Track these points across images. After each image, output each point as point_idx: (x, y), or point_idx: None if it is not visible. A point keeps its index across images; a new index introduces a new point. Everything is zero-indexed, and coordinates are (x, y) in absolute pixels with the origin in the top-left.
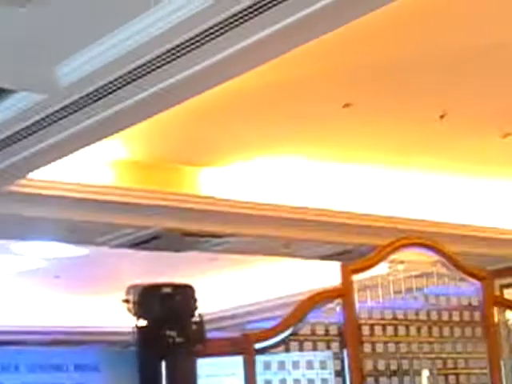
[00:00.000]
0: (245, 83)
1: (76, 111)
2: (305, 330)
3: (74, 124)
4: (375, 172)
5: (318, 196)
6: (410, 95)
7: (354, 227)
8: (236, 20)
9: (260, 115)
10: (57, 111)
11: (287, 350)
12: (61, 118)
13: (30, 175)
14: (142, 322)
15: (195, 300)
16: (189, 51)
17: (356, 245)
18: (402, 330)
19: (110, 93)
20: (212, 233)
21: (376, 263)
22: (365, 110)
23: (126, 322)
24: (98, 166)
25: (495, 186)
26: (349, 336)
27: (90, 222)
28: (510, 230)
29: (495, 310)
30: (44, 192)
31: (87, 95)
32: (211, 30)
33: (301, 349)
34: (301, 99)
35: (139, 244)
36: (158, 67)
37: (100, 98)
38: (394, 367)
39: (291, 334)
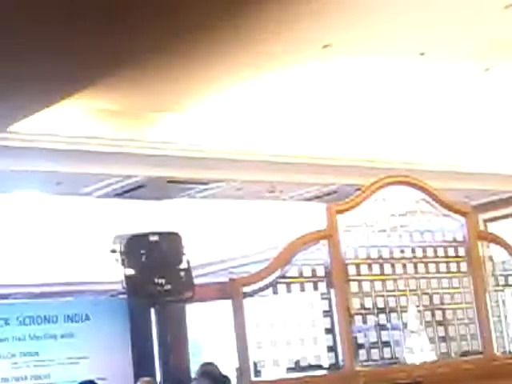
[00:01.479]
0: (220, 23)
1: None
2: (292, 271)
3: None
4: (357, 112)
5: (301, 139)
6: (390, 34)
7: (337, 168)
8: None
9: (237, 58)
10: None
11: (275, 293)
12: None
13: (14, 128)
14: (130, 271)
15: (182, 247)
16: None
17: (340, 186)
18: (387, 268)
19: None
20: (197, 180)
21: (360, 203)
22: (344, 50)
23: (114, 271)
24: (81, 117)
25: (476, 122)
26: (335, 276)
27: (74, 173)
28: (490, 164)
29: (479, 244)
30: (28, 145)
31: None
32: None
33: (289, 291)
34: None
35: (124, 193)
36: None
37: None
38: (381, 305)
39: (279, 277)
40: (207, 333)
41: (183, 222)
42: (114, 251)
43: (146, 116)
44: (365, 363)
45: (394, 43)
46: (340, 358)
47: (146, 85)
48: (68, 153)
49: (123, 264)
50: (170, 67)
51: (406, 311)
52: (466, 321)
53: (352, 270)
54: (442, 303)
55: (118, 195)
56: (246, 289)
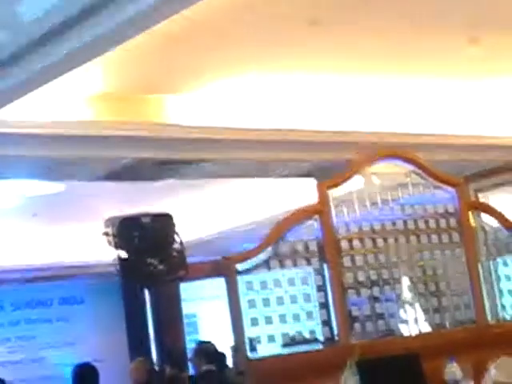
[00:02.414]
0: (205, 7)
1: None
2: (285, 248)
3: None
4: (345, 86)
5: (289, 116)
6: (376, 6)
7: (327, 144)
8: None
9: (224, 39)
10: (22, 47)
11: (269, 269)
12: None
13: (3, 115)
14: (123, 253)
15: (174, 227)
16: None
17: (330, 161)
18: (380, 242)
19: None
20: (186, 160)
21: (351, 178)
22: (330, 26)
23: (107, 253)
24: (68, 102)
25: (463, 92)
26: (328, 251)
27: (64, 158)
28: (481, 136)
29: (471, 214)
30: (18, 131)
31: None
32: None
33: (282, 267)
34: (266, 20)
35: (114, 176)
36: None
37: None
38: (374, 278)
39: (272, 254)
40: (203, 311)
41: (174, 203)
42: (106, 234)
43: (133, 98)
44: (360, 336)
45: (383, 15)
46: (335, 331)
47: (135, 67)
48: (57, 137)
49: (116, 246)
50: (158, 49)
51: (399, 283)
52: (459, 291)
53: (344, 244)
54: (435, 274)
55: (108, 178)
56: (240, 266)
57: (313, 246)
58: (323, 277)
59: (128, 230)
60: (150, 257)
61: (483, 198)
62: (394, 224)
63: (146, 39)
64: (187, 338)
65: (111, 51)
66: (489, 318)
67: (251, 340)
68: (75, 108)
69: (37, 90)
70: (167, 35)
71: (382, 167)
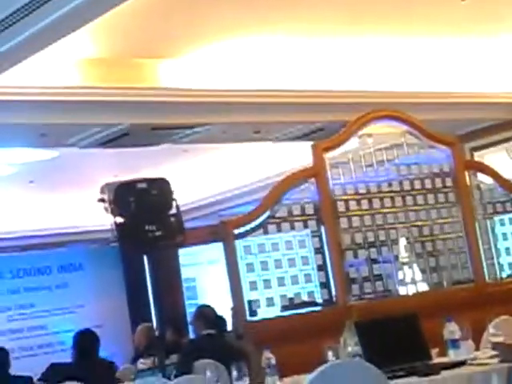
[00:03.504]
0: None
1: (30, 13)
2: (281, 211)
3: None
4: (338, 47)
5: (283, 77)
6: None
7: (321, 105)
8: None
9: (216, 1)
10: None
11: (266, 233)
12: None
13: None
14: (120, 220)
15: (171, 193)
16: None
17: (325, 123)
18: (376, 203)
19: None
20: (181, 124)
21: (346, 139)
22: None
23: (105, 219)
24: (60, 68)
25: (456, 50)
26: (325, 213)
27: (58, 125)
28: (475, 93)
29: (466, 173)
30: (9, 98)
31: None
32: None
33: (279, 230)
34: None
35: (109, 142)
36: None
37: None
38: (371, 239)
39: (269, 217)
40: (202, 275)
41: (171, 168)
42: (102, 200)
43: (127, 63)
44: (358, 297)
45: None
46: (333, 293)
47: (129, 31)
48: (50, 104)
49: (113, 213)
50: (151, 13)
51: (396, 244)
52: (456, 250)
53: (341, 206)
54: (432, 234)
55: (103, 144)
56: (237, 230)
57: (309, 209)
58: (321, 239)
59: (124, 196)
60: (147, 223)
61: (479, 157)
62: (389, 185)
63: (138, 3)
64: (187, 302)
65: (103, 16)
66: (486, 276)
67: (250, 304)
68: (68, 74)
69: (28, 57)
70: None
71: (377, 128)
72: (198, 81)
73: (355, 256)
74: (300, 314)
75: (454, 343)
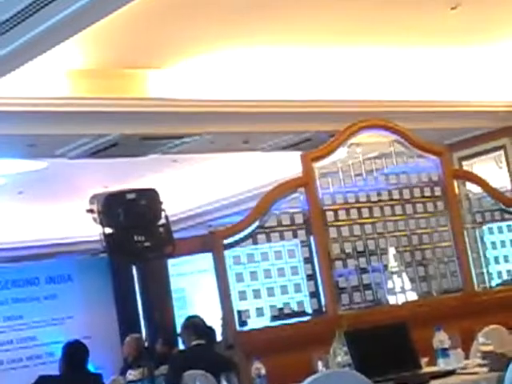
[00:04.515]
0: None
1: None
2: (271, 221)
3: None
4: (324, 56)
5: (271, 87)
6: None
7: (310, 115)
8: None
9: (204, 13)
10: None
11: (255, 243)
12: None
13: None
14: (109, 230)
15: (160, 203)
16: None
17: (314, 133)
18: (365, 212)
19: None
20: (170, 134)
21: (335, 149)
22: None
23: (94, 230)
24: (48, 78)
25: (444, 59)
26: (314, 223)
27: (46, 135)
28: (463, 102)
29: (455, 183)
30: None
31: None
32: None
33: (268, 240)
34: None
35: (98, 152)
36: None
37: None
38: (360, 248)
39: (258, 227)
40: (192, 285)
41: (160, 178)
42: (91, 211)
43: (116, 73)
44: (347, 307)
45: None
46: (323, 303)
47: (117, 42)
48: (39, 114)
49: (101, 223)
50: (139, 24)
51: (385, 253)
52: (445, 259)
53: (330, 215)
54: (421, 243)
55: (92, 155)
56: (226, 240)
57: (299, 219)
58: (310, 249)
59: (113, 207)
60: (136, 233)
61: (467, 166)
62: (379, 194)
63: (127, 14)
64: (176, 312)
65: (92, 27)
66: (475, 285)
67: (240, 314)
68: (56, 85)
69: (18, 68)
70: (147, 10)
71: (366, 137)
72: (187, 91)
73: (344, 265)
74: (290, 324)
75: (444, 352)
